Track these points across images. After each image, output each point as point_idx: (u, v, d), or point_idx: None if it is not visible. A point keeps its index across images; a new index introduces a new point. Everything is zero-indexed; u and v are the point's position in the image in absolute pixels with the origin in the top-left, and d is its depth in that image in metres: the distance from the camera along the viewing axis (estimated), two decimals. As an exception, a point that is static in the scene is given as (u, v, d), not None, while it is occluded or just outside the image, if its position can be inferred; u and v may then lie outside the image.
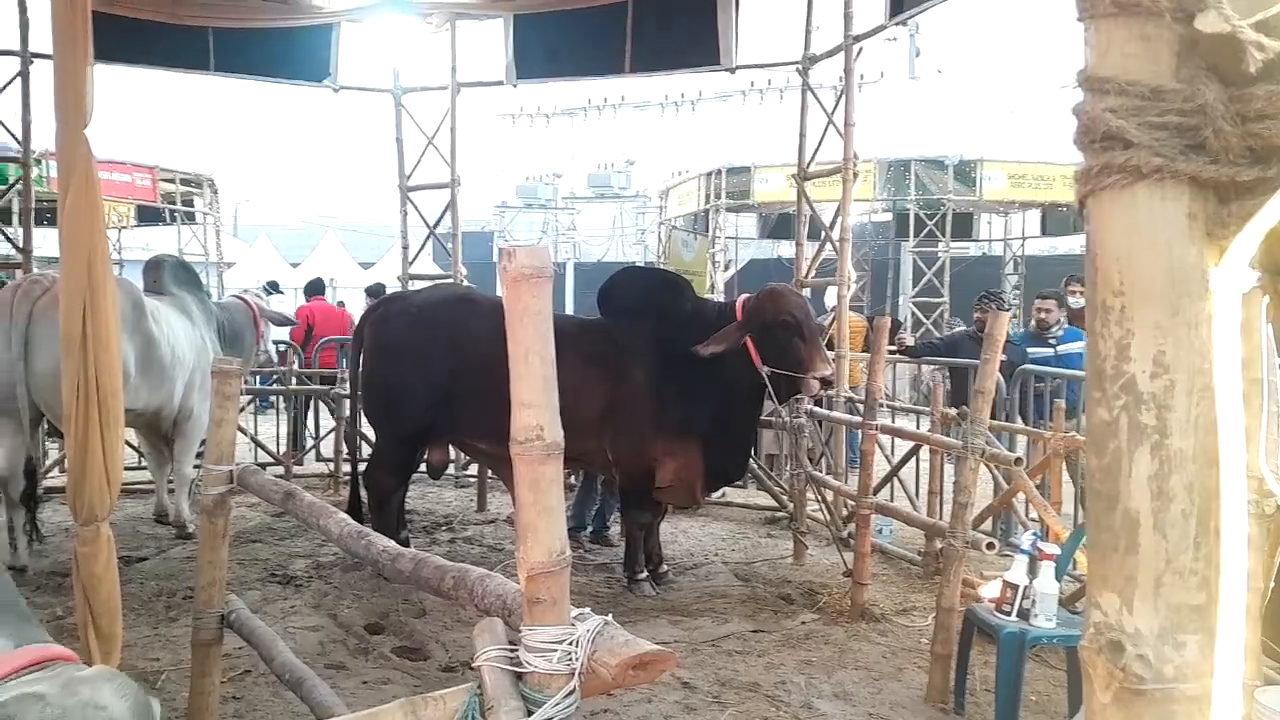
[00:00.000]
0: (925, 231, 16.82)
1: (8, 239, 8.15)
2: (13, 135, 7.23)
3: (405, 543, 5.02)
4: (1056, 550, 3.43)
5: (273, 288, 17.25)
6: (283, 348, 9.15)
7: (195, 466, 6.04)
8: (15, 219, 10.93)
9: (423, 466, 5.72)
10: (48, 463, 6.90)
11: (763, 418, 5.84)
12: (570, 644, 1.31)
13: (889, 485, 6.31)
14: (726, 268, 17.88)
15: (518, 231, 28.14)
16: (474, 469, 7.47)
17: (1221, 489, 0.48)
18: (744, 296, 5.19)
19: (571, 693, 1.30)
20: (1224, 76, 0.48)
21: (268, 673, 3.59)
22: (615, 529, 6.01)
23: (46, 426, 6.75)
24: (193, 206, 18.63)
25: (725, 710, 3.60)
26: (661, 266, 13.28)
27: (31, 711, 1.20)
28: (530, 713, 1.27)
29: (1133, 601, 0.48)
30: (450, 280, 8.30)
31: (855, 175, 6.94)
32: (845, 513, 6.08)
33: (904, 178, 16.68)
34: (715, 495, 6.84)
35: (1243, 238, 0.49)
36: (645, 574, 5.19)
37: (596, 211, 29.52)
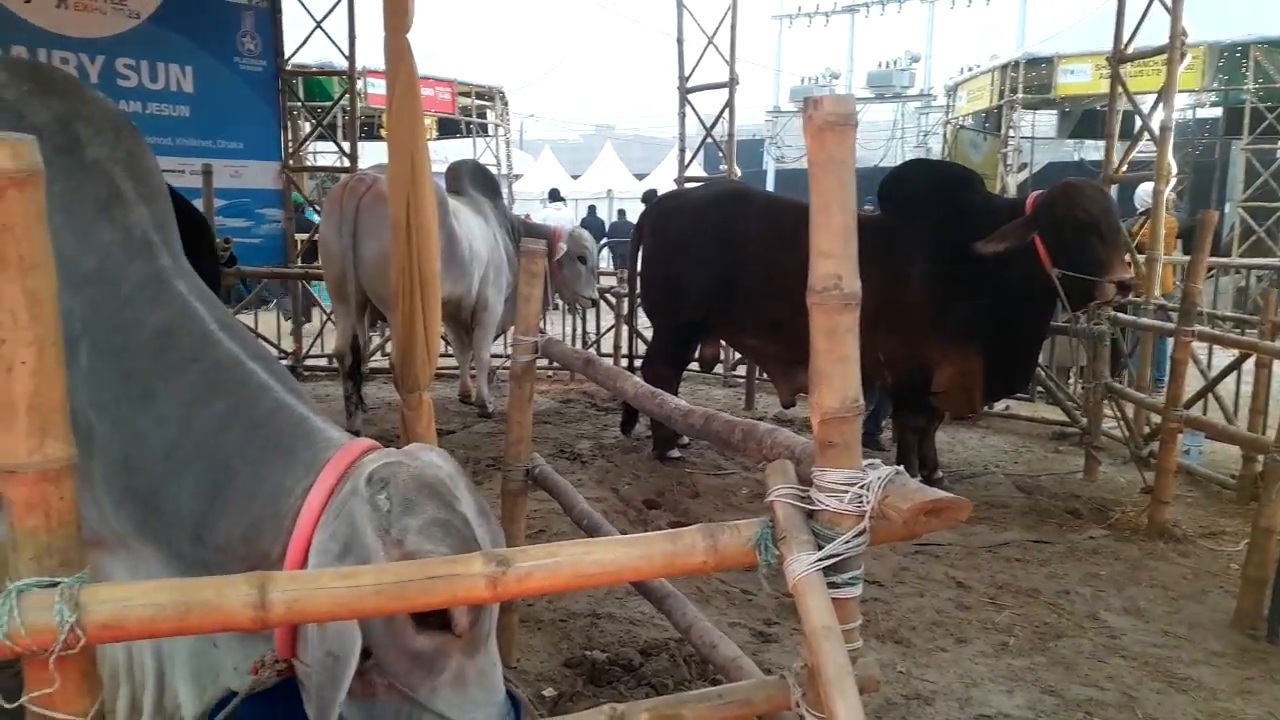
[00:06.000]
0: (1263, 126, 14.56)
1: (338, 147, 9.15)
2: (341, 51, 8.06)
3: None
4: None
5: (554, 195, 18.24)
6: None
7: (492, 356, 6.63)
8: (340, 132, 12.30)
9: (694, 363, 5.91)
10: (371, 346, 7.83)
11: (1058, 324, 5.45)
12: (861, 487, 1.34)
13: (1202, 402, 5.69)
14: (1020, 170, 16.47)
15: (790, 138, 27.48)
16: (742, 370, 7.61)
17: None
18: (1036, 193, 4.81)
19: (862, 532, 1.34)
20: None
21: (560, 532, 3.95)
22: (888, 434, 5.92)
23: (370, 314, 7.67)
24: (485, 119, 19.89)
25: (1002, 612, 3.50)
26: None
27: (401, 471, 1.51)
28: (820, 548, 1.32)
29: None
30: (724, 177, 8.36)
31: (1183, 56, 6.16)
32: (1147, 430, 5.60)
33: (1239, 64, 14.44)
34: (998, 406, 6.52)
35: None
36: (918, 478, 5.08)
37: (875, 113, 28.11)
